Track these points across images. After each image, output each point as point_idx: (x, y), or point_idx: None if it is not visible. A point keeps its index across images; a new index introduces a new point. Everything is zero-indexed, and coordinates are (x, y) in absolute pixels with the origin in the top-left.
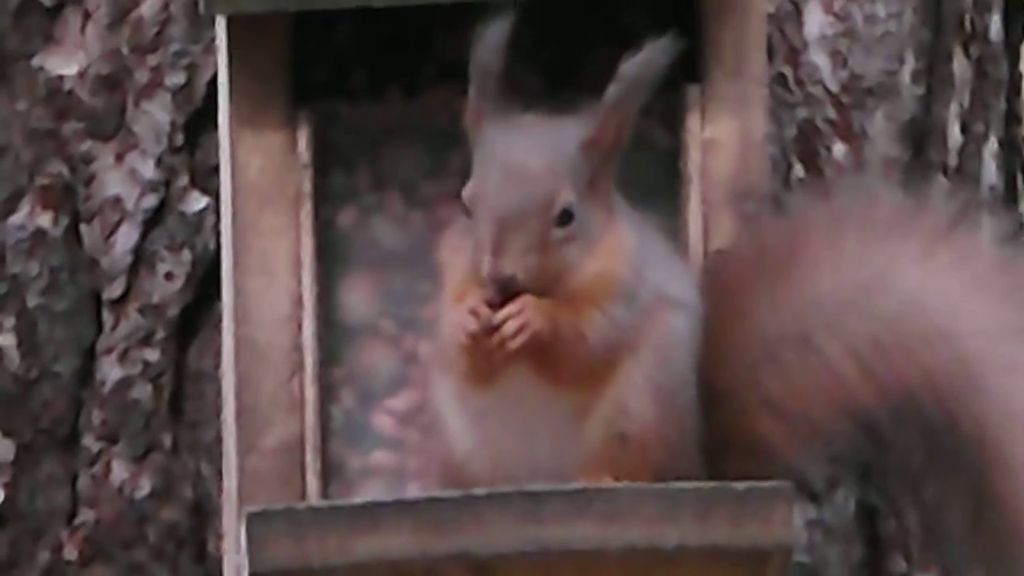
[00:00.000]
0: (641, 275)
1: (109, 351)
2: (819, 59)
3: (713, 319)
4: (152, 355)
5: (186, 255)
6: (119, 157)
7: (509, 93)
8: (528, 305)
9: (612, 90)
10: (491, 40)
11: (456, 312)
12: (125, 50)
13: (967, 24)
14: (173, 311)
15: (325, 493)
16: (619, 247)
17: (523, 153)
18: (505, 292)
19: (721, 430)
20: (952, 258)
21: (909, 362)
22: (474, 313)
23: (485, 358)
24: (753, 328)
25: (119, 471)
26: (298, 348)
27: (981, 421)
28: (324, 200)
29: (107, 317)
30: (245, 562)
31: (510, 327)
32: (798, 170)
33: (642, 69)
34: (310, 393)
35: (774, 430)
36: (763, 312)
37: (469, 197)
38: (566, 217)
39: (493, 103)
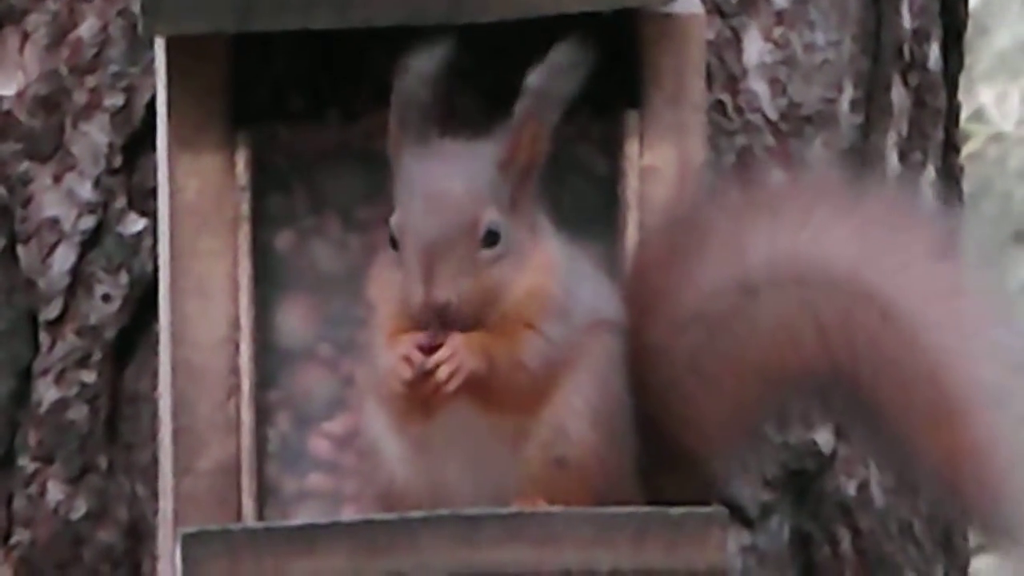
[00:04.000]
0: (572, 292)
1: (45, 372)
2: (758, 86)
3: (637, 299)
4: (88, 376)
5: (123, 277)
6: (57, 178)
7: (431, 120)
8: (459, 346)
9: (520, 105)
10: (418, 70)
11: (390, 357)
12: (64, 71)
13: (906, 53)
14: (110, 333)
15: (261, 515)
16: (548, 263)
17: (442, 179)
18: (440, 319)
19: (649, 428)
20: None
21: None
22: (407, 360)
23: (422, 400)
24: (680, 295)
25: (55, 492)
26: (235, 371)
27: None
28: (262, 223)
29: (44, 338)
30: None
31: (443, 372)
32: None
33: (546, 80)
34: (246, 416)
35: (693, 411)
36: (690, 279)
37: (396, 227)
38: (492, 237)
39: (414, 131)
